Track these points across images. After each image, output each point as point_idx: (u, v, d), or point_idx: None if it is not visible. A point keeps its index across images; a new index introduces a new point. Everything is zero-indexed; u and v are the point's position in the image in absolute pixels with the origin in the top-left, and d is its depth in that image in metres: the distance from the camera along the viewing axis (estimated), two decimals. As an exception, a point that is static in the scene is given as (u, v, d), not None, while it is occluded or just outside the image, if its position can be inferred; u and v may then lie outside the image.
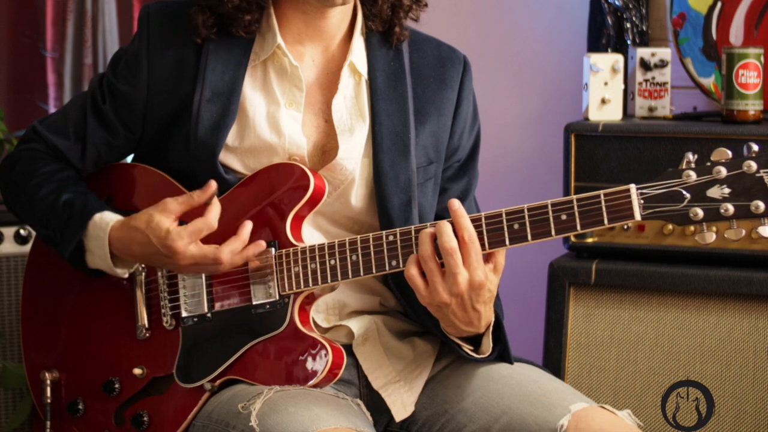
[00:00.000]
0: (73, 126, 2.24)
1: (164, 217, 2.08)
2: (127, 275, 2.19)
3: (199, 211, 2.10)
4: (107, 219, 2.15)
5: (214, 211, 2.09)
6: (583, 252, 2.95)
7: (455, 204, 1.98)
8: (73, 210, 2.17)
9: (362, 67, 2.20)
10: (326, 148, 2.18)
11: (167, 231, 2.07)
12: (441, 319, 2.05)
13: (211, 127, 2.15)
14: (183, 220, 2.11)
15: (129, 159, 2.32)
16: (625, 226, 2.89)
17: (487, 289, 1.98)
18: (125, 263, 2.18)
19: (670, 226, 2.86)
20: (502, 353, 2.16)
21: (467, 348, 2.13)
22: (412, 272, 1.99)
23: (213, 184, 2.10)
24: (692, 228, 2.83)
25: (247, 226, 2.10)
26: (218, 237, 2.13)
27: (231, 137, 2.16)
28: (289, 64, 2.16)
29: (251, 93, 2.17)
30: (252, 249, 2.10)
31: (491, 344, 2.12)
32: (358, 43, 2.20)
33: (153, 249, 2.09)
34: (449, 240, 1.96)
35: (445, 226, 1.97)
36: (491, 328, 2.10)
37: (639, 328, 2.86)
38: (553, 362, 2.91)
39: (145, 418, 2.17)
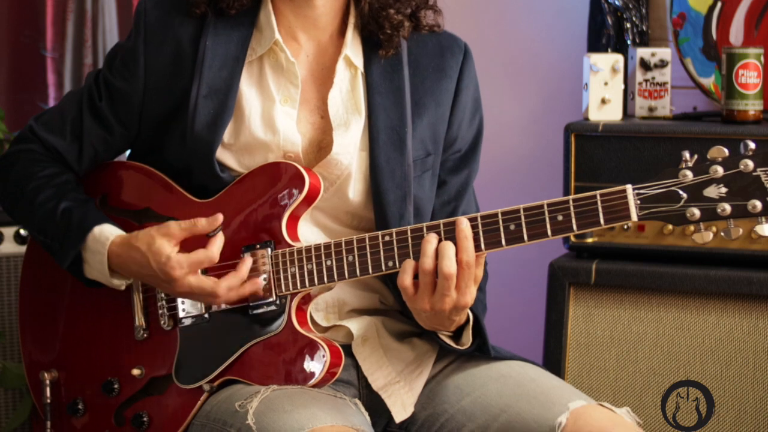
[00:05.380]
0: (69, 125, 2.22)
1: (166, 241, 2.06)
2: (123, 287, 2.18)
3: (200, 239, 2.08)
4: (107, 234, 2.13)
5: (217, 244, 2.07)
6: (583, 252, 2.95)
7: (463, 223, 1.97)
8: (71, 220, 2.15)
9: (358, 60, 2.19)
10: (322, 145, 2.17)
11: (168, 257, 2.05)
12: (413, 313, 2.06)
13: (208, 123, 2.14)
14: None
15: (126, 155, 2.31)
16: (625, 226, 2.89)
17: (468, 307, 2.00)
18: (122, 277, 2.16)
19: (670, 226, 2.85)
20: (481, 346, 2.16)
21: (445, 337, 2.13)
22: (406, 282, 2.00)
23: (220, 217, 2.08)
24: (692, 228, 2.83)
25: (247, 263, 2.09)
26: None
27: (227, 134, 2.15)
28: (286, 60, 2.16)
29: (247, 89, 2.16)
30: (249, 287, 2.09)
31: (470, 338, 2.13)
32: (353, 36, 2.19)
33: (151, 271, 2.07)
34: (449, 266, 1.96)
35: (449, 249, 1.97)
36: (471, 323, 2.11)
37: (639, 328, 2.86)
38: (553, 362, 2.90)
39: (145, 419, 2.17)
